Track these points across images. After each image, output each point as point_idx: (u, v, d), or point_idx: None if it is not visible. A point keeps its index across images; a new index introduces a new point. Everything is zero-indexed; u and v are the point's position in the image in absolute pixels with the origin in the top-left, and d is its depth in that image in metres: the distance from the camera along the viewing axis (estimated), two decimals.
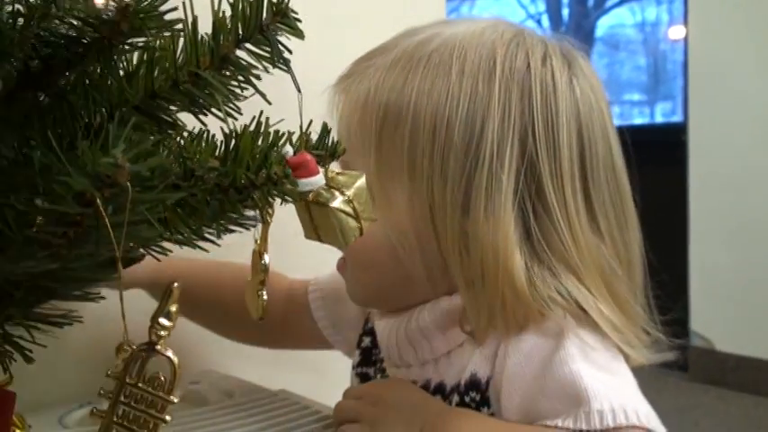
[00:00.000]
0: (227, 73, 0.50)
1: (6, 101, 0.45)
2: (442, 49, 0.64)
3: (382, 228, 0.64)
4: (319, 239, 0.59)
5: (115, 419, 0.38)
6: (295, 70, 0.53)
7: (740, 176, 2.53)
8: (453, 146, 0.61)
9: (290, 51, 0.52)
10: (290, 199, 0.50)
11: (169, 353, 0.41)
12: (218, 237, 0.49)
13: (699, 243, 2.63)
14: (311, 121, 0.55)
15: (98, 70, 0.49)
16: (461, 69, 0.63)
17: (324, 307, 0.85)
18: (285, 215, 0.62)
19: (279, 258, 0.72)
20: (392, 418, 0.61)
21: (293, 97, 0.56)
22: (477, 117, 0.62)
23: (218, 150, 0.48)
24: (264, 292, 0.69)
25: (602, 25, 5.86)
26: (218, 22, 0.49)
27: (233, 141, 0.47)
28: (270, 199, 0.48)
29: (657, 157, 2.84)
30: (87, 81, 0.49)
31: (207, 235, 0.52)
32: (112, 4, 0.41)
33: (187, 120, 0.53)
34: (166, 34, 0.49)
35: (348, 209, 0.56)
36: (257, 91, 0.51)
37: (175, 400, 0.40)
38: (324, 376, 0.85)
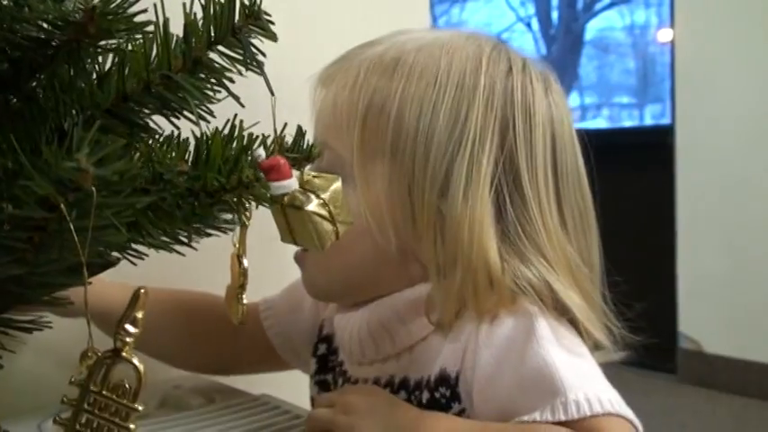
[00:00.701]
0: (201, 76, 0.50)
1: None
2: (431, 46, 0.67)
3: (358, 208, 0.65)
4: (295, 243, 0.59)
5: (78, 427, 0.38)
6: (271, 72, 0.53)
7: (728, 179, 2.53)
8: (438, 128, 0.64)
9: (263, 54, 0.52)
10: (263, 203, 0.49)
11: (135, 360, 0.40)
12: (191, 240, 0.48)
13: (687, 245, 2.64)
14: (285, 124, 0.55)
15: (69, 73, 0.48)
16: (450, 62, 0.66)
17: (277, 325, 0.84)
18: (266, 218, 0.62)
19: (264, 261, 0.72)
20: (366, 426, 0.61)
21: (268, 100, 0.56)
22: (463, 104, 0.64)
23: (189, 154, 0.48)
24: (245, 297, 0.69)
25: (592, 28, 5.88)
26: (189, 24, 0.48)
27: (204, 145, 0.46)
28: (244, 202, 0.48)
29: (645, 160, 2.85)
30: (57, 84, 0.48)
31: (182, 238, 0.52)
32: (80, 6, 0.41)
33: (161, 123, 0.53)
34: (137, 36, 0.49)
35: (324, 212, 0.56)
36: (230, 94, 0.51)
37: (140, 408, 0.40)
38: (305, 380, 0.84)
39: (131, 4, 0.42)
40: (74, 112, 0.51)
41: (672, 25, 2.74)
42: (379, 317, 0.69)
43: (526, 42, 5.95)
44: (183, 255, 0.55)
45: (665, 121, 3.30)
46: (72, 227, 0.36)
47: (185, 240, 0.52)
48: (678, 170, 2.65)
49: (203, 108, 0.52)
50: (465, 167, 0.63)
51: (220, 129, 0.54)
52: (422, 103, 0.64)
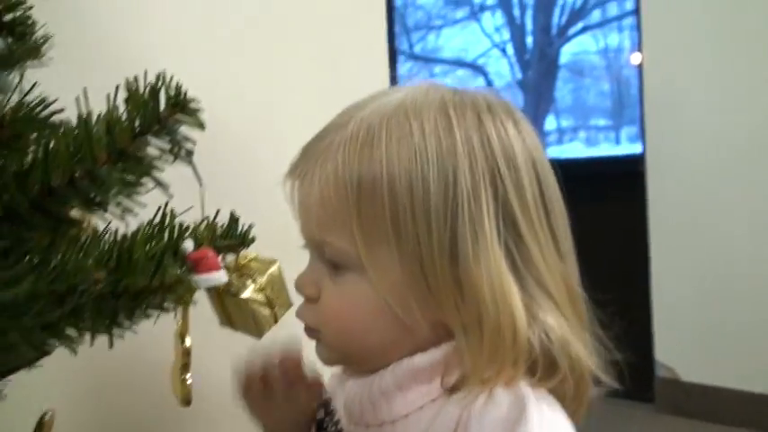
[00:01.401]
0: (126, 167, 0.49)
1: None
2: (397, 113, 0.66)
3: (376, 293, 0.64)
4: (233, 328, 0.57)
5: None
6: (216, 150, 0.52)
7: (699, 207, 2.54)
8: (432, 198, 0.63)
9: (192, 142, 0.51)
10: (187, 303, 0.48)
11: None
12: (112, 344, 0.47)
13: (660, 274, 2.64)
14: (218, 211, 0.54)
15: None
16: (421, 128, 0.65)
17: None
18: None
19: None
20: None
21: (207, 179, 0.55)
22: (449, 168, 0.64)
23: (112, 253, 0.46)
24: (189, 376, 0.67)
25: (566, 52, 5.93)
26: (110, 116, 0.47)
27: (126, 246, 0.45)
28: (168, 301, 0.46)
29: (617, 189, 2.85)
30: None
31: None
32: None
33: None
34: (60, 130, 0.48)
35: (260, 297, 0.54)
36: (158, 184, 0.50)
37: None
38: None
39: (43, 108, 0.41)
40: None
41: (640, 50, 2.75)
42: (379, 384, 0.67)
43: (502, 67, 6.00)
44: (121, 337, 0.54)
45: (641, 143, 3.32)
46: None
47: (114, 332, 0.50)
48: (650, 199, 2.65)
49: (133, 198, 0.51)
50: (468, 228, 0.63)
51: (150, 220, 0.53)
52: (410, 178, 0.64)
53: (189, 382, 0.66)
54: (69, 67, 0.69)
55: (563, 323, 0.65)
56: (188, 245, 0.48)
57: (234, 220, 0.52)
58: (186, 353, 0.65)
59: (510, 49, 5.76)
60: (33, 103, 0.42)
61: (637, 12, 2.74)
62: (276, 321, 0.56)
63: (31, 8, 0.64)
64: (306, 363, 0.70)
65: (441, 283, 0.64)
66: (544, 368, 0.64)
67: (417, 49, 5.84)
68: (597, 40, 5.61)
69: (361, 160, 0.64)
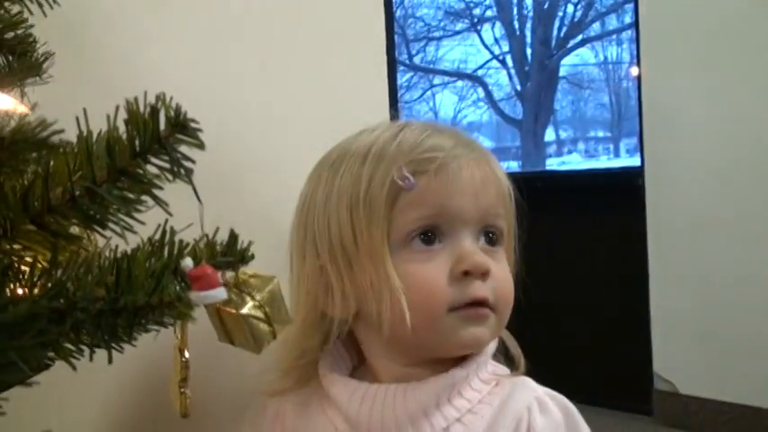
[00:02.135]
0: (126, 186, 0.50)
1: None
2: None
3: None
4: (232, 344, 0.58)
5: None
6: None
7: (698, 219, 2.55)
8: None
9: (192, 161, 0.52)
10: (187, 320, 0.49)
11: None
12: (111, 359, 0.47)
13: (659, 286, 2.64)
14: (217, 229, 0.54)
15: None
16: None
17: None
18: None
19: None
20: None
21: (204, 197, 0.56)
22: None
23: (113, 270, 0.47)
24: (188, 389, 0.67)
25: (566, 64, 5.95)
26: (110, 135, 0.48)
27: (126, 264, 0.45)
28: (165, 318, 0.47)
29: (616, 201, 2.86)
30: None
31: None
32: None
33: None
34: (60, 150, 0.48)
35: (259, 314, 0.55)
36: (157, 202, 0.50)
37: None
38: None
39: (42, 129, 0.42)
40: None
41: (638, 63, 2.76)
42: (418, 401, 0.68)
43: (501, 79, 6.01)
44: (121, 351, 0.54)
45: (639, 155, 3.33)
46: None
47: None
48: (648, 212, 2.66)
49: (132, 216, 0.51)
50: None
51: (150, 237, 0.53)
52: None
53: (188, 394, 0.67)
54: (70, 85, 0.69)
55: None
56: (188, 262, 0.49)
57: (233, 237, 0.52)
58: (185, 366, 0.66)
59: (509, 61, 5.79)
60: (33, 124, 0.42)
61: (636, 24, 2.75)
62: (275, 337, 0.57)
63: (32, 26, 0.65)
64: None
65: None
66: None
67: (417, 59, 5.86)
68: (596, 53, 5.64)
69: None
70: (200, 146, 0.51)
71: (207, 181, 0.54)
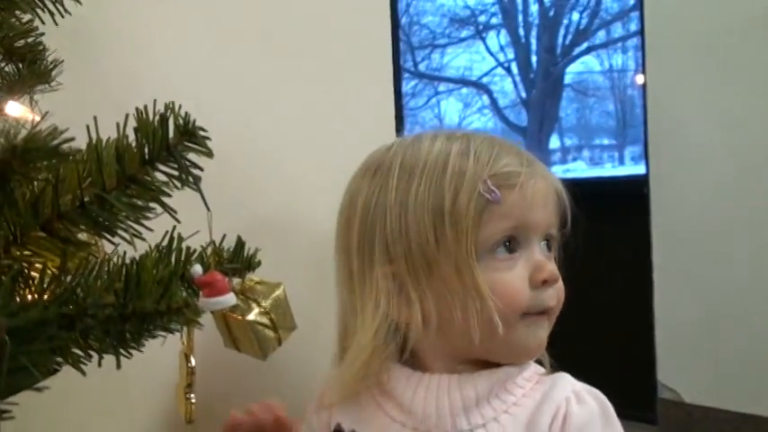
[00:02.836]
0: (135, 193, 0.50)
1: None
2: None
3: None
4: (238, 349, 0.58)
5: None
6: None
7: (703, 228, 2.54)
8: None
9: (200, 169, 0.52)
10: (194, 326, 0.49)
11: None
12: (119, 365, 0.48)
13: (663, 296, 2.64)
14: (224, 236, 0.55)
15: None
16: None
17: None
18: None
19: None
20: None
21: (212, 204, 0.56)
22: None
23: (121, 276, 0.47)
24: (193, 396, 0.68)
25: (571, 72, 5.94)
26: (120, 143, 0.49)
27: (135, 270, 0.46)
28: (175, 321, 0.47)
29: (621, 209, 2.86)
30: None
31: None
32: (1, 143, 0.41)
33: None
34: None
35: (265, 320, 0.55)
36: (165, 209, 0.51)
37: None
38: None
39: (53, 137, 0.43)
40: (11, 227, 0.50)
41: (643, 71, 2.76)
42: (476, 391, 0.73)
43: (506, 86, 6.01)
44: (129, 356, 0.54)
45: (644, 163, 3.33)
46: None
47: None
48: (653, 220, 2.65)
49: (141, 222, 0.52)
50: None
51: (157, 244, 0.54)
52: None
53: (193, 400, 0.67)
54: (80, 92, 0.70)
55: None
56: (197, 269, 0.49)
57: (240, 244, 0.53)
58: (191, 372, 0.66)
59: (515, 68, 5.79)
60: (45, 133, 0.43)
61: (641, 33, 2.75)
62: (280, 344, 0.57)
63: (42, 35, 0.66)
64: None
65: None
66: None
67: (422, 67, 5.87)
68: (602, 61, 5.64)
69: None
70: (209, 154, 0.51)
71: (214, 189, 0.54)
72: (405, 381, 0.74)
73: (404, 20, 5.42)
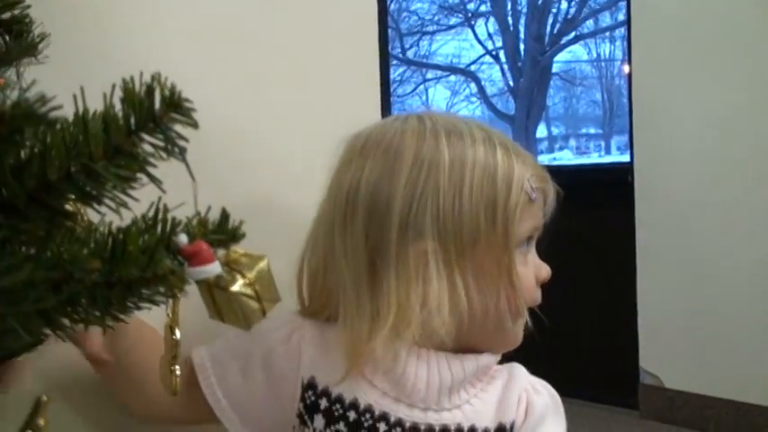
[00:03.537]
0: (122, 163, 0.51)
1: None
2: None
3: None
4: (222, 320, 0.59)
5: None
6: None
7: (686, 216, 2.57)
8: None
9: (185, 140, 0.53)
10: (179, 294, 0.50)
11: None
12: (105, 331, 0.48)
13: (646, 282, 2.67)
14: (209, 207, 0.55)
15: None
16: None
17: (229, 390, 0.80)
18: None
19: None
20: None
21: (199, 176, 0.57)
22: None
23: (107, 245, 0.48)
24: (177, 368, 0.69)
25: (558, 61, 5.96)
26: (106, 114, 0.49)
27: (120, 239, 0.47)
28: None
29: (607, 198, 2.88)
30: None
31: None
32: None
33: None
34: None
35: (249, 291, 0.56)
36: (152, 180, 0.51)
37: None
38: None
39: (42, 104, 0.43)
40: None
41: (629, 61, 2.78)
42: (464, 372, 0.76)
43: (494, 74, 6.01)
44: (112, 328, 0.55)
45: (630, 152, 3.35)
46: None
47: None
48: (637, 207, 2.68)
49: (127, 193, 0.52)
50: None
51: (143, 214, 0.54)
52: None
53: (178, 372, 0.68)
54: (66, 65, 0.70)
55: None
56: (182, 238, 0.50)
57: (225, 216, 0.54)
58: (176, 345, 0.67)
59: (503, 57, 5.80)
60: (32, 100, 0.43)
61: (628, 22, 2.76)
62: (264, 315, 0.58)
63: (28, 7, 0.66)
64: None
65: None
66: None
67: (410, 53, 5.87)
68: (589, 50, 5.66)
69: None
70: (194, 125, 0.52)
71: (199, 161, 0.55)
72: (397, 350, 0.74)
73: (392, 6, 5.41)
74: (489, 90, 5.97)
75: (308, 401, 0.78)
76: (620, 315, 2.67)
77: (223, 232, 0.55)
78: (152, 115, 0.50)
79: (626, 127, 3.00)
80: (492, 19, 5.92)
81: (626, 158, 2.94)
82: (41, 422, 0.40)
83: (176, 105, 0.51)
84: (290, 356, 0.79)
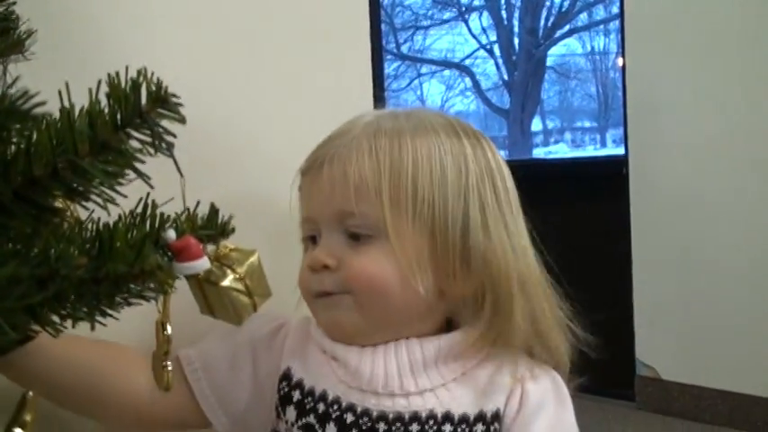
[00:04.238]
0: (109, 159, 0.51)
1: None
2: (415, 119, 0.78)
3: (395, 260, 0.73)
4: (213, 315, 0.59)
5: None
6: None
7: (681, 208, 2.57)
8: (448, 181, 0.74)
9: (173, 135, 0.52)
10: (167, 289, 0.50)
11: None
12: (93, 326, 0.48)
13: (642, 274, 2.67)
14: (198, 202, 0.55)
15: None
16: (437, 131, 0.77)
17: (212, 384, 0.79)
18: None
19: None
20: None
21: (188, 171, 0.57)
22: (462, 160, 0.76)
23: (95, 241, 0.48)
24: (169, 364, 0.69)
25: (553, 54, 5.95)
26: (92, 109, 0.49)
27: (108, 235, 0.46)
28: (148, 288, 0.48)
29: (602, 190, 2.88)
30: None
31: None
32: None
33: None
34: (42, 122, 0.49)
35: (240, 286, 0.56)
36: (139, 175, 0.51)
37: None
38: None
39: (25, 100, 0.43)
40: None
41: (623, 54, 2.77)
42: (423, 355, 0.75)
43: (489, 68, 6.01)
44: (104, 324, 0.55)
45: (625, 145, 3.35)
46: None
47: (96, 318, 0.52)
48: (632, 199, 2.68)
49: (114, 189, 0.52)
50: (477, 207, 0.74)
51: (131, 210, 0.54)
52: (431, 165, 0.74)
53: (169, 368, 0.68)
54: (52, 61, 0.70)
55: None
56: (170, 234, 0.50)
57: (214, 211, 0.53)
58: (167, 341, 0.67)
59: (497, 51, 5.79)
60: (16, 95, 0.43)
61: (622, 15, 2.76)
62: (255, 309, 0.58)
63: (14, 3, 0.65)
64: None
65: (451, 253, 0.74)
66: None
67: (405, 48, 5.86)
68: (583, 43, 5.66)
69: (389, 143, 0.74)
70: (182, 120, 0.51)
71: (187, 156, 0.55)
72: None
73: (386, 1, 5.40)
74: (484, 84, 5.96)
75: (281, 393, 0.77)
76: (616, 307, 2.67)
77: (212, 227, 0.55)
78: (138, 110, 0.50)
79: (621, 120, 2.99)
80: (486, 13, 5.91)
81: (621, 151, 2.94)
82: (28, 418, 0.40)
83: (163, 100, 0.51)
84: (276, 352, 0.79)
